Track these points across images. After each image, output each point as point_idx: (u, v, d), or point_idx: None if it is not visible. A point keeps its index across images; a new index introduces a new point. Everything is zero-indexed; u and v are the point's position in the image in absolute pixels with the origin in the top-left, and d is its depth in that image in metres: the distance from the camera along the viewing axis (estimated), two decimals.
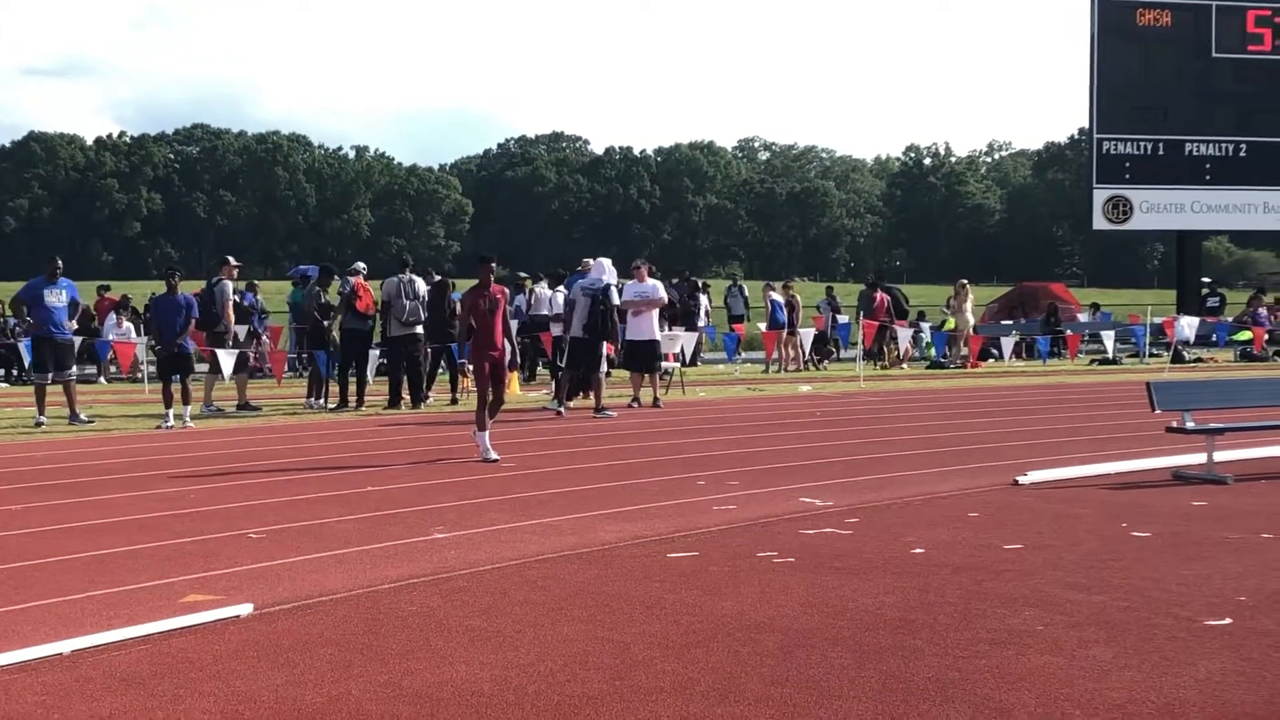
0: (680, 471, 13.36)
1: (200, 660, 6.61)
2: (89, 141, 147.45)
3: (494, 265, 15.24)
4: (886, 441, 16.13)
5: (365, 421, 19.29)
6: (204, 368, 21.19)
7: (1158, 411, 13.32)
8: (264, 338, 28.72)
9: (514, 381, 24.01)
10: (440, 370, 22.66)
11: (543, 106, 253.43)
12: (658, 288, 21.50)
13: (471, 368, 14.72)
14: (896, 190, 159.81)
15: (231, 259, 21.95)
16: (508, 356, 14.94)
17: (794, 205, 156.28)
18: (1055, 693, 5.94)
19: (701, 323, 32.18)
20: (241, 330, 27.46)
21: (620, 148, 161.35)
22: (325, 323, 21.78)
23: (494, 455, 14.24)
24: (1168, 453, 13.90)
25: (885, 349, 32.14)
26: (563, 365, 20.99)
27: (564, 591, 8.07)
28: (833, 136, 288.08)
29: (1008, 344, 32.53)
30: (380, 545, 9.57)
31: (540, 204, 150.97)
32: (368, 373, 21.47)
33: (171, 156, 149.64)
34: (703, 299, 33.26)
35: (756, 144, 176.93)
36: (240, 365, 20.82)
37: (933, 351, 33.47)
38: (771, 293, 31.69)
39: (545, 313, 25.22)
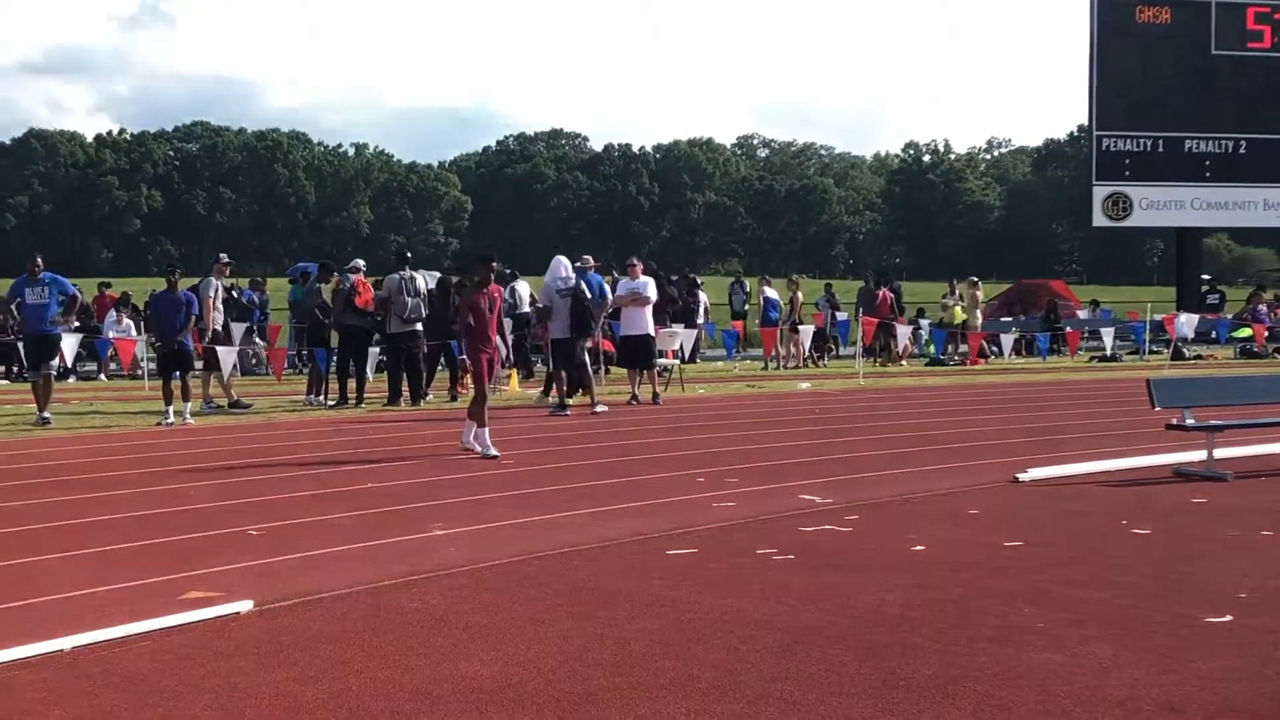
0: (680, 469, 13.36)
1: (201, 657, 6.61)
2: (89, 139, 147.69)
3: (495, 264, 15.29)
4: (886, 439, 16.13)
5: (365, 418, 19.29)
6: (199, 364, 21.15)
7: (1158, 408, 13.32)
8: (255, 336, 28.70)
9: (513, 379, 24.04)
10: (440, 367, 22.65)
11: (542, 104, 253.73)
12: (649, 284, 21.53)
13: (471, 365, 14.77)
14: (896, 187, 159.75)
15: (224, 256, 21.90)
16: (500, 355, 15.10)
17: (793, 202, 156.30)
18: (1056, 690, 5.94)
19: (700, 320, 32.19)
20: (240, 328, 27.49)
21: (619, 145, 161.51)
22: (325, 320, 21.80)
23: (494, 451, 14.25)
24: (1168, 450, 13.89)
25: (889, 346, 32.15)
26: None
27: (564, 588, 8.07)
28: (832, 134, 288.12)
29: (1007, 341, 32.55)
30: (380, 542, 9.57)
31: (539, 201, 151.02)
32: (367, 370, 21.47)
33: (171, 154, 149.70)
34: (701, 296, 33.27)
35: (755, 141, 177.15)
36: (213, 363, 20.70)
37: (932, 348, 33.47)
38: (766, 289, 31.69)
39: (527, 310, 25.43)
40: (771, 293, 31.41)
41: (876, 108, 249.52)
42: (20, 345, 19.18)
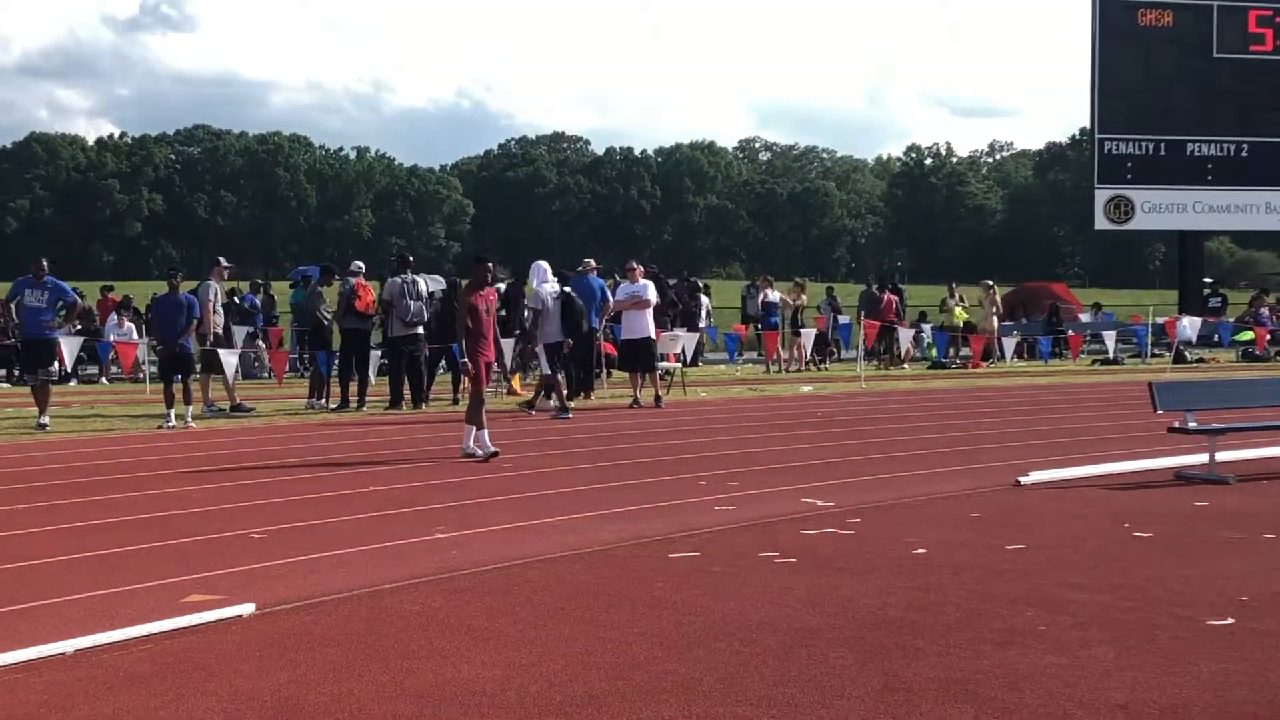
0: (681, 472, 13.35)
1: (203, 660, 6.61)
2: (90, 142, 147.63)
3: (491, 266, 15.32)
4: (888, 442, 16.13)
5: (367, 421, 19.29)
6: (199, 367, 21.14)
7: (1160, 412, 13.32)
8: (258, 340, 28.73)
9: (515, 381, 24.05)
10: (441, 370, 22.66)
11: (543, 107, 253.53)
12: (648, 287, 21.56)
13: (470, 367, 14.78)
14: (897, 191, 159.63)
15: (223, 260, 21.86)
16: (494, 356, 15.17)
17: (795, 206, 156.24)
18: (1058, 693, 5.94)
19: (703, 323, 32.19)
20: (242, 331, 27.50)
21: (621, 148, 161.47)
22: (326, 323, 21.82)
23: (493, 448, 14.26)
24: (1170, 453, 13.89)
25: (892, 349, 32.14)
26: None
27: (566, 591, 8.06)
28: (833, 137, 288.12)
29: (1009, 344, 32.53)
30: (382, 545, 9.57)
31: (541, 204, 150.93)
32: (369, 373, 21.48)
33: (173, 157, 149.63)
34: (704, 300, 33.27)
35: (757, 144, 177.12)
36: (215, 366, 20.70)
37: (934, 352, 33.47)
38: (768, 291, 31.69)
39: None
40: (774, 295, 31.40)
41: (878, 111, 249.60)
42: (18, 347, 19.04)
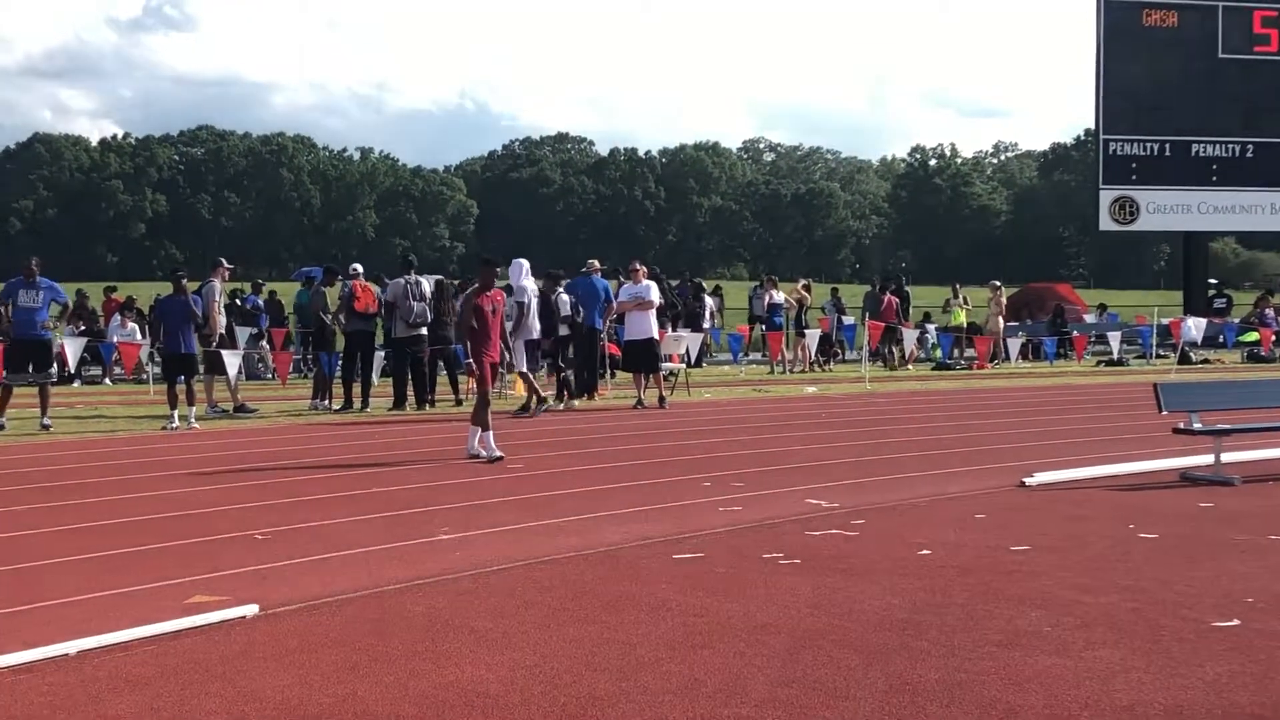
0: (686, 473, 13.34)
1: (206, 661, 6.60)
2: (94, 143, 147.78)
3: (497, 268, 15.33)
4: (892, 443, 16.11)
5: (370, 423, 19.29)
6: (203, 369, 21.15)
7: (1165, 413, 13.30)
8: (263, 341, 28.74)
9: (518, 383, 24.03)
10: (439, 371, 22.66)
11: (547, 107, 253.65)
12: (651, 288, 21.55)
13: (475, 369, 14.77)
14: (902, 191, 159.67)
15: (224, 260, 21.82)
16: (499, 358, 15.21)
17: (799, 206, 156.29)
18: (1062, 694, 5.93)
19: (707, 324, 32.18)
20: (245, 332, 27.51)
21: (625, 149, 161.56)
22: (327, 320, 21.83)
23: (499, 453, 14.25)
24: (1175, 454, 13.87)
25: (894, 350, 32.13)
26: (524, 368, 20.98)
27: (570, 593, 8.06)
28: (838, 138, 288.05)
29: (1014, 345, 32.51)
30: (386, 546, 9.57)
31: (545, 205, 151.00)
32: (373, 374, 21.47)
33: (176, 158, 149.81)
34: (709, 300, 33.24)
35: (761, 145, 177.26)
36: (218, 367, 20.69)
37: (938, 353, 33.44)
38: (773, 292, 31.68)
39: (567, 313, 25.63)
40: (779, 296, 31.38)
41: (882, 112, 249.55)
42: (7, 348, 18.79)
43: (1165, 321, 34.52)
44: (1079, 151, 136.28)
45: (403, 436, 17.30)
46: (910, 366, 31.81)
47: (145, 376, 26.83)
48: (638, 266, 22.29)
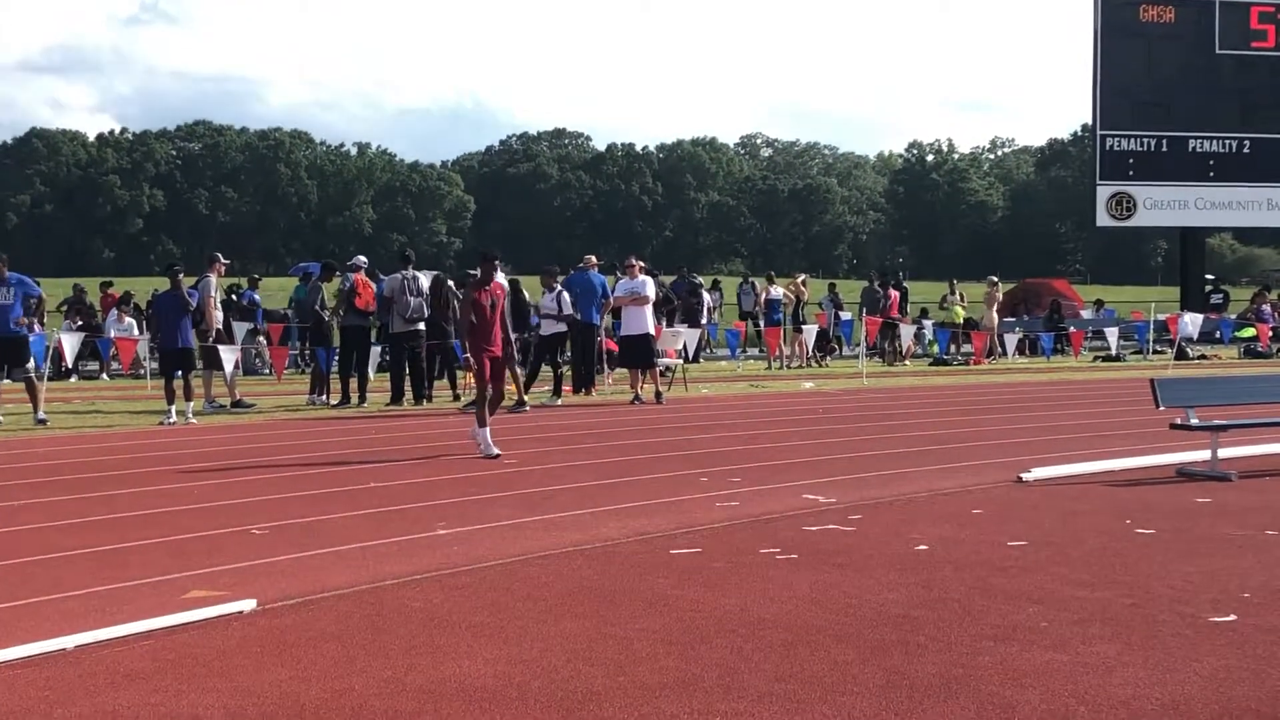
0: (683, 468, 13.35)
1: (203, 656, 6.60)
2: (91, 138, 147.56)
3: (496, 262, 15.31)
4: (890, 438, 16.12)
5: (368, 418, 19.29)
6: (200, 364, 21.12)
7: (1162, 408, 13.30)
8: (260, 336, 28.76)
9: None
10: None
11: (545, 103, 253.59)
12: (646, 283, 21.56)
13: (474, 364, 14.75)
14: (899, 187, 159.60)
15: (220, 255, 21.77)
16: (509, 352, 15.16)
17: (796, 202, 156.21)
18: (1059, 689, 5.93)
19: (704, 320, 32.20)
20: (243, 327, 27.52)
21: (622, 144, 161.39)
22: (325, 316, 21.83)
23: (495, 450, 14.24)
24: (1172, 449, 13.87)
25: (892, 345, 32.14)
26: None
27: (567, 587, 8.06)
28: (835, 133, 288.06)
29: (1011, 341, 32.53)
30: (383, 541, 9.57)
31: (542, 200, 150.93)
32: (369, 369, 21.48)
33: (173, 153, 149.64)
34: (705, 296, 33.25)
35: (759, 140, 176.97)
36: (215, 362, 20.67)
37: (936, 348, 33.47)
38: (771, 288, 31.69)
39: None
40: (777, 292, 31.39)
41: (879, 107, 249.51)
42: None
43: (1162, 317, 34.55)
44: (1076, 147, 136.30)
45: (400, 432, 17.29)
46: (908, 362, 31.83)
47: (143, 371, 26.83)
48: (633, 262, 22.30)
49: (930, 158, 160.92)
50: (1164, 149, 37.12)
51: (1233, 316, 37.02)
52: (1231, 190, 37.48)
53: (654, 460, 14.03)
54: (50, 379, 22.49)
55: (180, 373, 18.51)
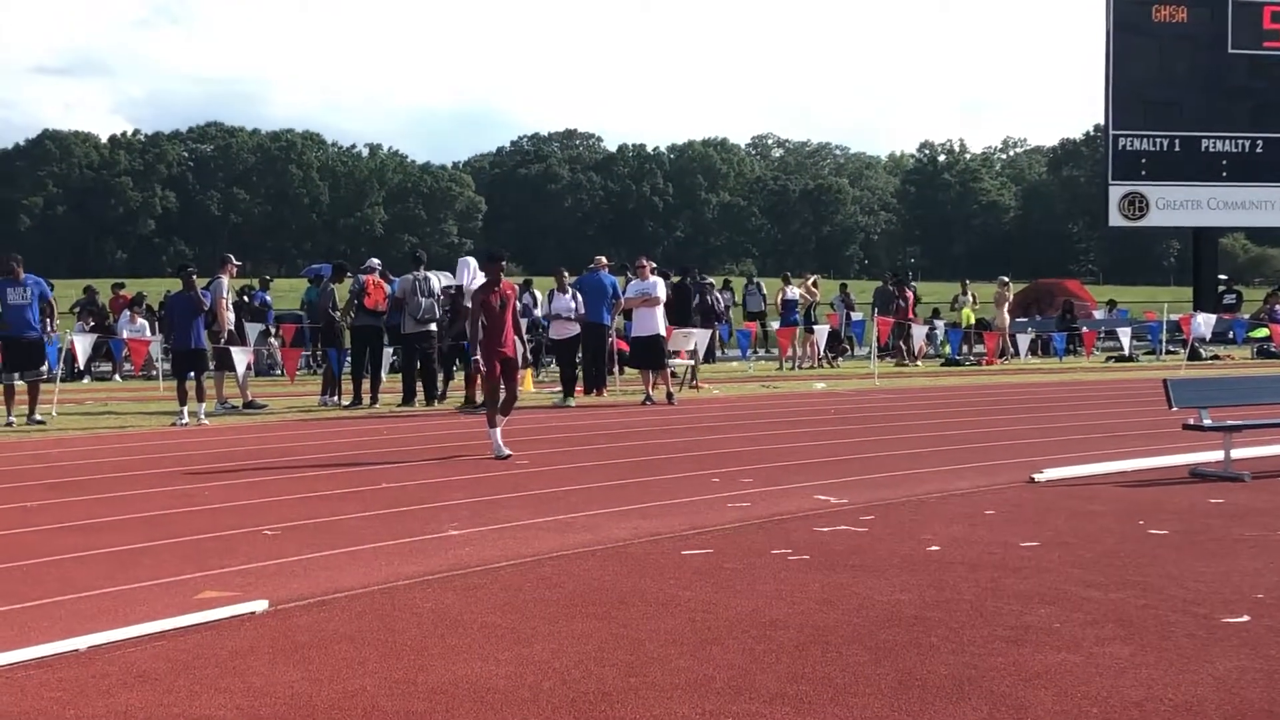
0: (694, 469, 13.35)
1: (216, 656, 6.61)
2: (103, 140, 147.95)
3: (504, 263, 15.32)
4: (901, 439, 16.10)
5: (379, 418, 19.31)
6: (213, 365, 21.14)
7: (1174, 409, 13.27)
8: (272, 338, 28.80)
9: (528, 379, 24.05)
10: (455, 366, 22.66)
11: (556, 104, 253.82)
12: (658, 284, 21.55)
13: (483, 366, 14.75)
14: (910, 187, 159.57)
15: (232, 257, 21.79)
16: (518, 353, 15.12)
17: (807, 202, 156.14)
18: (1072, 690, 5.92)
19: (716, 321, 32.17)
20: (255, 328, 27.56)
21: (633, 145, 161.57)
22: (336, 317, 21.86)
23: (506, 451, 14.24)
24: (1185, 450, 13.84)
25: (904, 346, 32.12)
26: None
27: (579, 588, 8.06)
28: (846, 133, 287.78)
29: (1023, 341, 32.50)
30: (395, 542, 9.57)
31: (553, 201, 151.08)
32: (381, 370, 21.49)
33: (185, 154, 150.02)
34: (718, 296, 33.22)
35: (770, 141, 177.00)
36: (227, 363, 20.70)
37: (948, 349, 33.43)
38: (787, 289, 31.66)
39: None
40: (793, 293, 31.37)
41: (891, 107, 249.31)
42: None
43: (1175, 317, 34.50)
44: (1088, 147, 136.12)
45: (411, 433, 17.31)
46: (919, 363, 31.79)
47: (155, 373, 26.89)
48: (644, 263, 22.29)
49: (942, 158, 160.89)
50: (1176, 149, 37.08)
51: (1246, 317, 36.95)
52: (1244, 190, 37.42)
53: (665, 461, 14.02)
54: (63, 380, 22.52)
55: (193, 374, 18.54)
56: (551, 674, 6.24)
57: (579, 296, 21.89)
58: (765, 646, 6.68)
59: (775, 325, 32.28)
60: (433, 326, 20.90)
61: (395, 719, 5.67)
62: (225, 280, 20.97)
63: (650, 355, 21.13)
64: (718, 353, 33.00)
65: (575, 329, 21.90)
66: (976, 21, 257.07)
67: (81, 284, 39.09)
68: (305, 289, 29.72)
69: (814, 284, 33.12)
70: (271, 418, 19.57)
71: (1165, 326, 34.62)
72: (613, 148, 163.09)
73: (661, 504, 11.24)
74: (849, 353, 34.35)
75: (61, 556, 9.13)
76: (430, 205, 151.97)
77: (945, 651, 6.54)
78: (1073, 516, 10.55)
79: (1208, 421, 13.02)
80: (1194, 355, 31.54)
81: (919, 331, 32.04)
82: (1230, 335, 34.92)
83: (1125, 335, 33.67)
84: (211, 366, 19.92)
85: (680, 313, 26.50)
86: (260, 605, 7.58)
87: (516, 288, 16.22)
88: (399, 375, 22.03)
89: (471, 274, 20.18)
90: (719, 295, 33.08)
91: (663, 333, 21.30)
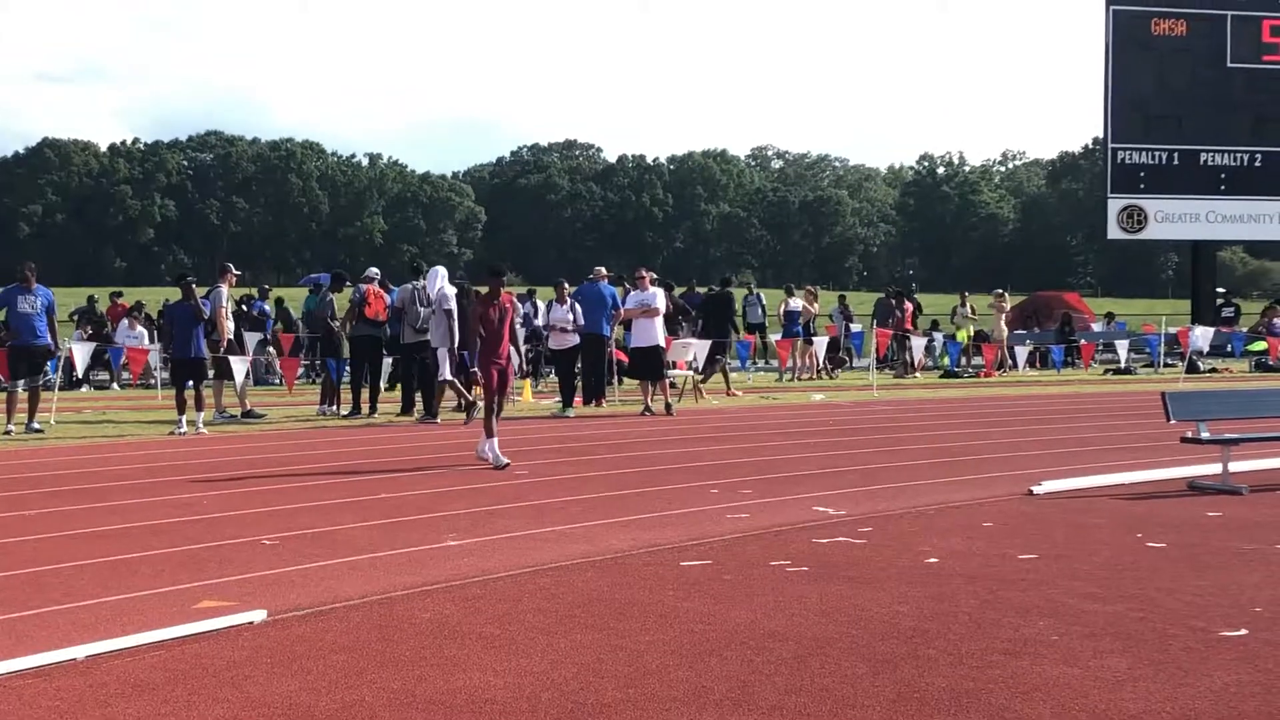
0: (693, 480, 13.35)
1: (214, 666, 6.61)
2: (103, 148, 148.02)
3: (504, 277, 15.36)
4: (900, 450, 16.11)
5: (378, 428, 19.30)
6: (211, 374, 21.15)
7: (1173, 421, 13.28)
8: (269, 346, 28.82)
9: (526, 389, 24.08)
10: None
11: (556, 114, 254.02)
12: (658, 295, 21.56)
13: (482, 377, 14.80)
14: (910, 199, 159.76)
15: (231, 266, 21.82)
16: (514, 365, 15.20)
17: (807, 214, 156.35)
18: (1070, 703, 5.92)
19: None
20: (253, 337, 27.56)
21: (633, 155, 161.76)
22: (335, 327, 21.87)
23: (504, 460, 14.26)
24: (1183, 463, 13.85)
25: (906, 357, 32.11)
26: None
27: (577, 599, 8.06)
28: (846, 145, 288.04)
29: (1022, 353, 32.50)
30: (393, 552, 9.57)
31: (553, 212, 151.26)
32: (380, 380, 21.49)
33: (185, 163, 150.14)
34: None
35: (769, 152, 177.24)
36: (226, 372, 20.70)
37: (946, 360, 33.44)
38: (790, 300, 31.69)
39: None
40: (795, 304, 31.38)
41: (890, 119, 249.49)
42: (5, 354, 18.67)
43: (1173, 330, 34.50)
44: (1087, 160, 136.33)
45: (410, 442, 17.31)
46: (918, 374, 31.80)
47: (153, 381, 26.89)
48: (644, 274, 22.31)
49: (941, 170, 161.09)
50: (1175, 162, 37.12)
51: (1244, 330, 36.96)
52: (1243, 203, 37.46)
53: (664, 472, 14.03)
54: (61, 389, 22.51)
55: (191, 383, 18.54)
56: (550, 685, 6.24)
57: (577, 308, 21.92)
58: (763, 658, 6.68)
59: (775, 337, 32.26)
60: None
61: None
62: (225, 289, 20.99)
63: (649, 366, 21.14)
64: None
65: (573, 340, 21.92)
66: (976, 34, 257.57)
67: (80, 292, 39.24)
68: (304, 298, 29.71)
69: (811, 295, 33.09)
70: (270, 427, 19.56)
71: (1163, 339, 34.64)
72: (612, 158, 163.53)
73: (660, 515, 11.25)
74: (847, 364, 34.34)
75: (59, 565, 9.13)
76: (430, 215, 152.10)
77: (943, 664, 6.55)
78: (1071, 529, 10.56)
79: (1206, 434, 13.03)
80: (1192, 368, 31.55)
81: (918, 343, 32.05)
82: (1228, 348, 34.93)
83: (1123, 348, 33.69)
84: (210, 375, 19.91)
85: (719, 323, 26.70)
86: (258, 615, 7.58)
87: (516, 301, 16.23)
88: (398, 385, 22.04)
89: (439, 283, 20.16)
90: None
91: (662, 343, 21.32)
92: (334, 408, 21.34)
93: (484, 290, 15.42)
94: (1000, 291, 34.58)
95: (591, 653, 6.82)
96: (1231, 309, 39.21)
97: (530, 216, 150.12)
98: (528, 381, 25.09)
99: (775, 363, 32.45)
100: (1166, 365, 33.93)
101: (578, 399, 22.03)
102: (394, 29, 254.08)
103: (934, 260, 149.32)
